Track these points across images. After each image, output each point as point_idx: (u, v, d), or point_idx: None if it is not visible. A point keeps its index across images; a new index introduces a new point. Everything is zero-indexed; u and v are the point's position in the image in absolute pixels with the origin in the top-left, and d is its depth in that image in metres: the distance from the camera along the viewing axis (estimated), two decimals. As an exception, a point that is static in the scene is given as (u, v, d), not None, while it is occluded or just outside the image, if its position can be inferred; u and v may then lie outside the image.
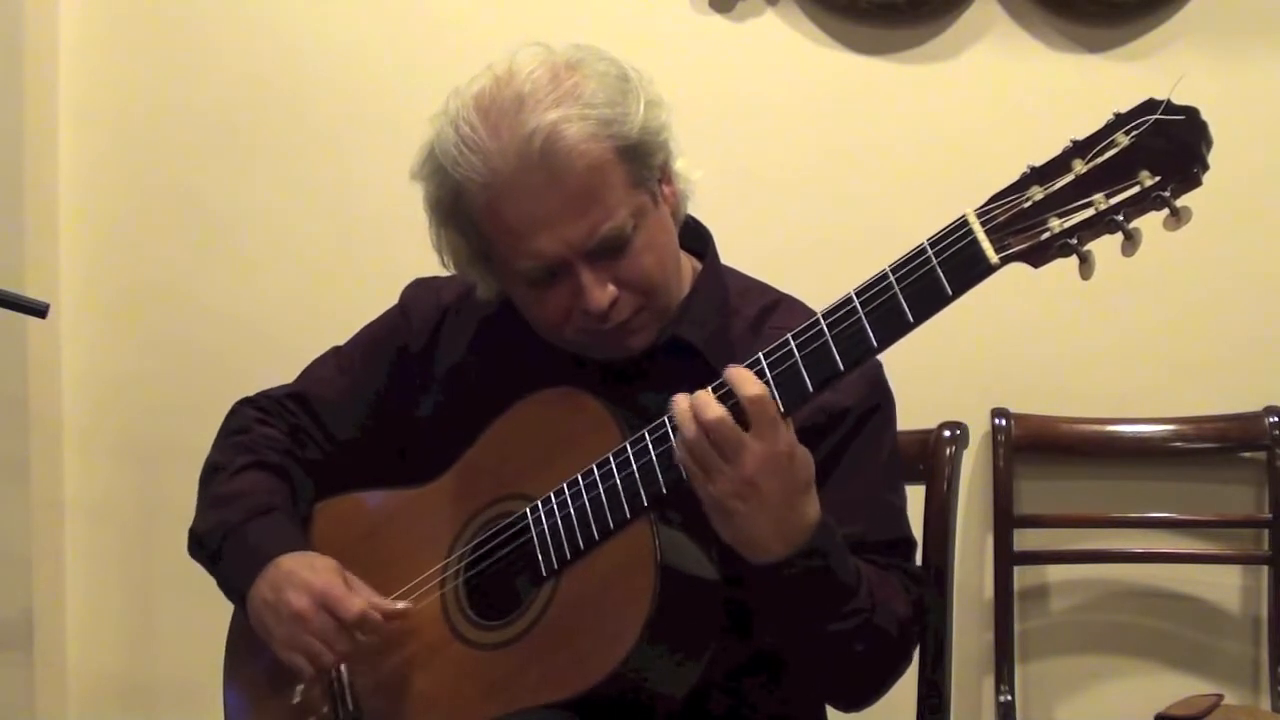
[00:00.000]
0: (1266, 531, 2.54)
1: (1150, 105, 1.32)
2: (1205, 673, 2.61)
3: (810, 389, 1.45)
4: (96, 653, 2.89)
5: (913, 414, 1.86)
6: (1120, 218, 1.32)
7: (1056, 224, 1.34)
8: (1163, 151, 1.31)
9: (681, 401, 1.48)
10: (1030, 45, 2.62)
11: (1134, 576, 2.62)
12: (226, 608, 1.81)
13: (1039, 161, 1.36)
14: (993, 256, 1.36)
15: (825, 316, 1.45)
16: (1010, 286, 1.46)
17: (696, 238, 1.76)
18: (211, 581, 1.79)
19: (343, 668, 1.68)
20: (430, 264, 1.73)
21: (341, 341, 1.91)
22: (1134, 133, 1.31)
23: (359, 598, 1.64)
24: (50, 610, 2.83)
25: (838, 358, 1.44)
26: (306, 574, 1.66)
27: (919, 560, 1.78)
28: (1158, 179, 1.30)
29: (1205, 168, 1.31)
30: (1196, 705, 2.04)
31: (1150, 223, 1.33)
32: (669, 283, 1.66)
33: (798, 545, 1.49)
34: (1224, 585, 2.61)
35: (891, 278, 1.41)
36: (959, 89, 2.64)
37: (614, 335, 1.63)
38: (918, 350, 1.51)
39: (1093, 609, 2.66)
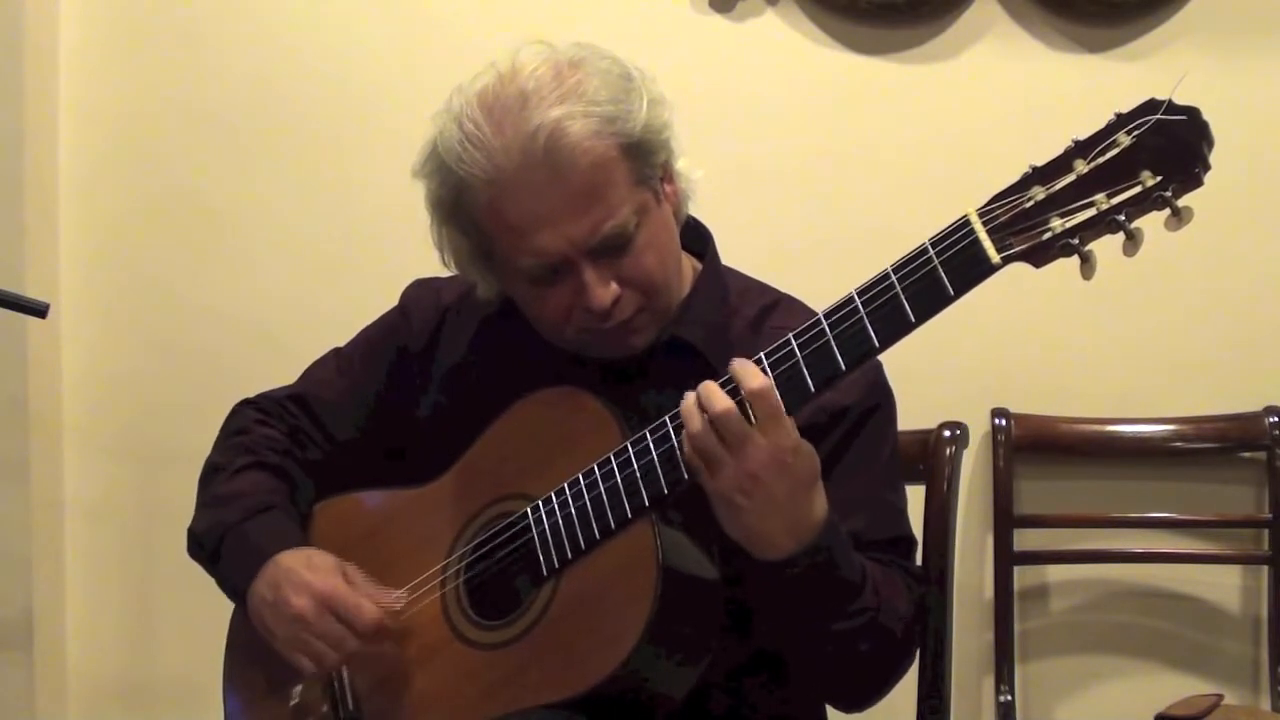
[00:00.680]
0: (1266, 531, 2.54)
1: (1152, 105, 1.32)
2: (1205, 673, 2.61)
3: (812, 388, 1.45)
4: (96, 653, 2.89)
5: (913, 414, 1.86)
6: (1122, 217, 1.32)
7: (1058, 224, 1.34)
8: (1164, 151, 1.31)
9: (689, 396, 1.48)
10: (1030, 45, 2.62)
11: (1134, 576, 2.62)
12: (226, 608, 1.81)
13: (1040, 161, 1.36)
14: (994, 256, 1.36)
15: (827, 316, 1.45)
16: (1011, 286, 1.46)
17: (697, 237, 1.76)
18: (211, 581, 1.79)
19: (343, 667, 1.68)
20: (431, 263, 1.73)
21: (341, 342, 1.91)
22: (1136, 133, 1.31)
23: (368, 602, 1.64)
24: (50, 610, 2.83)
25: (839, 357, 1.44)
26: (306, 573, 1.66)
27: (919, 560, 1.78)
28: (1159, 179, 1.30)
29: (1207, 168, 1.31)
30: (1196, 705, 2.04)
31: (1151, 222, 1.33)
32: (670, 282, 1.66)
33: (804, 541, 1.48)
34: (1224, 585, 2.62)
35: (893, 277, 1.41)
36: (959, 89, 2.64)
37: (615, 334, 1.63)
38: (918, 350, 1.51)
39: (1093, 609, 2.66)
